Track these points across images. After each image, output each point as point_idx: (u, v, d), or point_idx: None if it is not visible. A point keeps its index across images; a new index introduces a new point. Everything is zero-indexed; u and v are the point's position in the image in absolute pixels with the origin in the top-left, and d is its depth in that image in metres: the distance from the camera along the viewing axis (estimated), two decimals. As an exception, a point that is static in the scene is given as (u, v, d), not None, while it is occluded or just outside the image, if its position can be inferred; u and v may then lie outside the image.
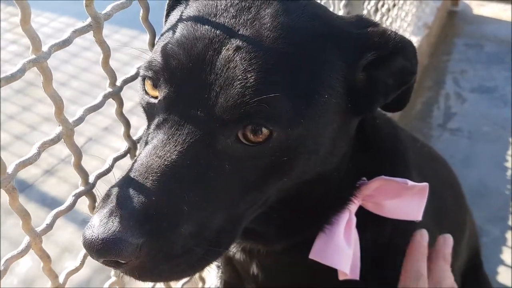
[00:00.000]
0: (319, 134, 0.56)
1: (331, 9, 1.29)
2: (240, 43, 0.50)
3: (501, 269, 1.58)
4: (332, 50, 0.55)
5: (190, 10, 0.55)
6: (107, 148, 1.99)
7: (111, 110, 0.61)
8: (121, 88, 0.57)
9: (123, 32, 2.75)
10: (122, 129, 0.61)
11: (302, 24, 0.54)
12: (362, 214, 0.66)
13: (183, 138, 0.49)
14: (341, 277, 0.64)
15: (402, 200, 0.65)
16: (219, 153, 0.50)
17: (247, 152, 0.51)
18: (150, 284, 0.73)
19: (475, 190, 1.86)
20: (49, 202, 1.72)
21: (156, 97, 0.53)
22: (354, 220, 0.64)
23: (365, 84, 0.59)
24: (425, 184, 0.65)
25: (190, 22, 0.53)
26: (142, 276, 0.49)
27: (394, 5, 1.90)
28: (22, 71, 0.44)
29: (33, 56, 0.45)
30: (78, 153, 0.53)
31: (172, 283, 0.73)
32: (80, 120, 0.52)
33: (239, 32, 0.51)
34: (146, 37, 0.61)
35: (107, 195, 0.48)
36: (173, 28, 0.54)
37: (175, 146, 0.49)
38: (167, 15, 0.61)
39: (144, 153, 0.49)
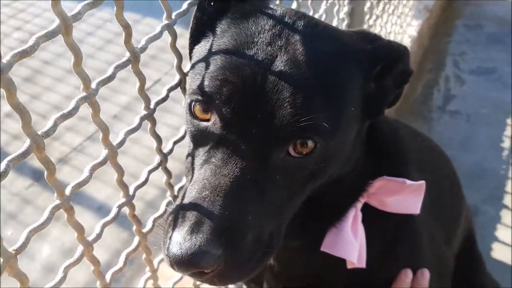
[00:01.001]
0: (346, 141, 0.65)
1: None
2: (282, 68, 0.58)
3: (496, 246, 1.68)
4: (352, 67, 0.64)
5: (225, 39, 0.62)
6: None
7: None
8: (154, 110, 0.64)
9: (125, 16, 2.76)
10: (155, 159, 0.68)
11: (327, 47, 0.63)
12: (368, 210, 0.75)
13: (242, 155, 0.56)
14: (349, 266, 0.73)
15: (402, 196, 0.73)
16: (273, 166, 0.58)
17: (295, 163, 0.59)
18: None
19: (473, 171, 1.94)
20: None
21: (207, 120, 0.60)
22: (360, 215, 0.73)
23: (375, 91, 0.68)
24: (422, 182, 0.74)
25: (231, 50, 0.60)
26: (220, 282, 0.58)
27: (395, -7, 1.95)
28: (76, 109, 0.51)
29: (84, 94, 0.52)
30: (121, 171, 0.61)
31: (162, 284, 0.82)
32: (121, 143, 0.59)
33: (278, 58, 0.58)
34: (151, 21, 0.65)
35: (180, 213, 0.55)
36: (213, 57, 0.61)
37: (236, 164, 0.56)
38: (192, 46, 0.68)
39: (209, 173, 0.56)
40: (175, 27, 0.64)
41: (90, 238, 0.58)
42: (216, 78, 0.58)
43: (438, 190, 1.00)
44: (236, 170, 0.56)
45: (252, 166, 0.56)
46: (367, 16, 1.67)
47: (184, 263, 0.52)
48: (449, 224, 1.07)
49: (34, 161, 0.60)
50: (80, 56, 0.49)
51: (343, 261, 0.75)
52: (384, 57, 0.66)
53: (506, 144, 2.05)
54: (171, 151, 0.70)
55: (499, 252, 1.65)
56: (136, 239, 0.68)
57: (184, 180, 0.72)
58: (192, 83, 0.62)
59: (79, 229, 0.56)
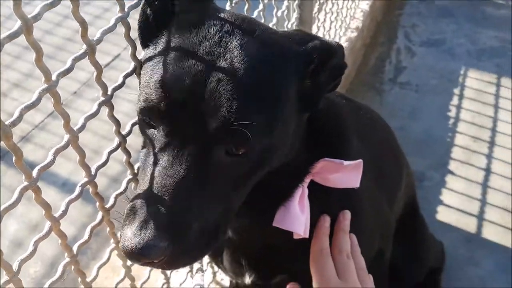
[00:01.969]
0: (284, 136, 0.71)
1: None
2: (220, 75, 0.63)
3: (440, 209, 1.81)
4: (287, 69, 0.69)
5: (168, 50, 0.67)
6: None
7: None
8: (111, 96, 0.70)
9: (94, 4, 2.69)
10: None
11: (262, 52, 0.67)
12: (313, 186, 0.83)
13: (186, 157, 0.63)
14: (296, 237, 0.82)
15: (342, 174, 0.81)
16: (213, 166, 0.64)
17: (233, 161, 0.65)
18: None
19: (421, 139, 2.06)
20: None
21: (153, 127, 0.66)
22: (306, 192, 0.81)
23: (310, 87, 0.73)
24: (360, 161, 0.82)
25: (174, 59, 0.65)
26: (169, 267, 0.66)
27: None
28: (39, 100, 0.56)
29: (46, 85, 0.57)
30: (82, 153, 0.66)
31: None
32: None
33: (217, 66, 0.64)
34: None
35: (132, 211, 0.63)
36: (155, 68, 0.66)
37: (181, 165, 0.63)
38: (142, 42, 0.73)
39: (157, 173, 0.63)
40: (128, 18, 0.69)
41: (56, 215, 0.64)
42: (158, 89, 0.64)
43: (379, 159, 1.09)
44: (180, 171, 0.63)
45: (194, 167, 0.63)
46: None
47: (134, 255, 0.60)
48: (391, 189, 1.17)
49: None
50: (41, 53, 0.54)
51: (291, 233, 0.83)
52: (317, 56, 0.71)
53: (452, 113, 2.18)
54: (129, 132, 0.76)
55: (443, 215, 1.79)
56: (100, 214, 0.74)
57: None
58: (139, 94, 0.68)
59: (46, 207, 0.61)
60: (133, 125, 0.76)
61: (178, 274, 1.22)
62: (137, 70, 0.73)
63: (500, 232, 1.73)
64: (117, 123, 0.72)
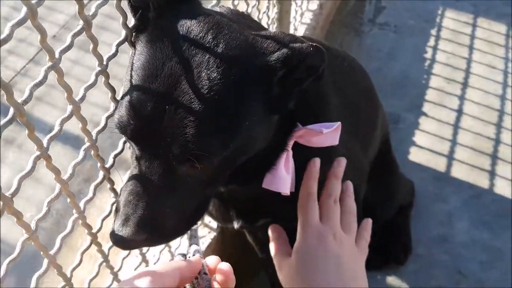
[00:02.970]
0: (250, 142, 0.76)
1: None
2: (177, 104, 0.67)
3: (413, 150, 1.90)
4: (250, 86, 0.71)
5: (137, 67, 0.71)
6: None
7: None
8: (106, 65, 0.74)
9: None
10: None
11: (224, 73, 0.68)
12: (295, 146, 0.90)
13: (155, 169, 0.72)
14: (283, 194, 0.89)
15: (323, 136, 0.87)
16: (181, 175, 0.73)
17: (199, 171, 0.72)
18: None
19: (397, 81, 2.13)
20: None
21: None
22: (290, 153, 0.88)
23: (278, 93, 0.76)
24: (338, 124, 0.88)
25: (142, 77, 0.70)
26: (153, 246, 0.87)
27: None
28: (45, 77, 0.61)
29: (50, 63, 0.62)
30: (84, 121, 0.72)
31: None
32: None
33: (176, 90, 0.67)
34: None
35: (117, 208, 0.76)
36: (131, 78, 0.71)
37: (152, 175, 0.72)
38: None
39: (134, 181, 0.74)
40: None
41: (65, 177, 0.70)
42: (124, 116, 0.71)
43: (355, 107, 1.16)
44: (154, 179, 0.72)
45: (163, 176, 0.72)
46: None
47: (119, 246, 0.75)
48: (365, 134, 1.25)
49: None
50: (45, 34, 0.59)
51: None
52: (284, 65, 0.71)
53: (428, 54, 2.23)
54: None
55: (415, 155, 1.89)
56: (101, 173, 0.81)
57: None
58: (119, 101, 0.74)
59: (56, 171, 0.67)
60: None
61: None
62: (129, 38, 0.77)
63: (467, 170, 1.85)
64: (113, 90, 0.77)
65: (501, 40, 2.29)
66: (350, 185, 0.98)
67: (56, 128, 0.66)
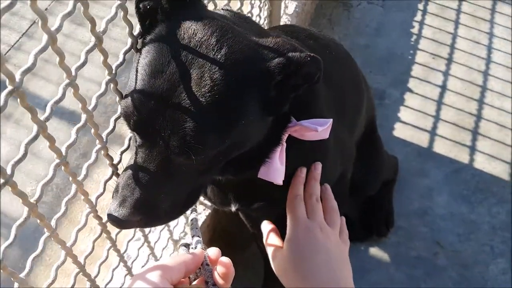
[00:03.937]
0: (245, 139, 0.82)
1: None
2: (179, 100, 0.71)
3: (397, 125, 1.98)
4: (248, 89, 0.76)
5: (142, 65, 0.74)
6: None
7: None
8: (115, 74, 0.79)
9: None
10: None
11: (225, 77, 0.73)
12: (289, 139, 0.96)
13: (154, 158, 0.76)
14: (276, 183, 0.96)
15: (316, 132, 0.94)
16: (177, 164, 0.77)
17: (194, 162, 0.76)
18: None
19: (384, 57, 2.18)
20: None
21: None
22: (284, 146, 0.94)
23: (275, 97, 0.81)
24: (330, 121, 0.94)
25: (147, 73, 0.73)
26: (147, 227, 0.93)
27: None
28: (63, 95, 0.66)
29: (67, 81, 0.67)
30: (84, 100, 0.77)
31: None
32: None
33: (178, 88, 0.72)
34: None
35: (116, 190, 0.80)
36: (132, 83, 0.75)
37: (150, 163, 0.77)
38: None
39: (134, 166, 0.78)
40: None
41: (67, 143, 0.72)
42: (129, 107, 0.75)
43: (342, 93, 1.22)
44: (151, 166, 0.77)
45: (161, 165, 0.77)
46: None
47: (115, 225, 0.81)
48: (351, 119, 1.32)
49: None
50: (63, 56, 0.64)
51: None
52: (280, 72, 0.77)
53: (415, 29, 2.28)
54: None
55: (399, 131, 1.97)
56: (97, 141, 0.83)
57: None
58: (125, 92, 0.79)
59: (51, 140, 0.68)
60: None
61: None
62: (134, 46, 0.82)
63: (449, 145, 1.94)
64: (120, 95, 0.82)
65: (487, 15, 2.34)
66: (328, 186, 1.08)
67: (60, 93, 0.66)
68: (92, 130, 0.80)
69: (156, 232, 1.25)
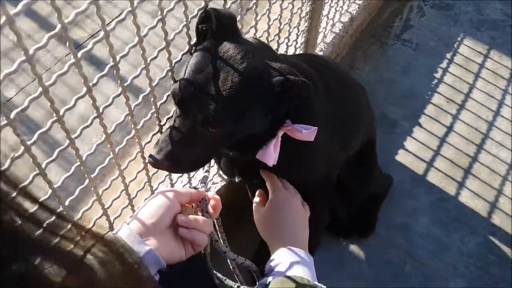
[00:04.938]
0: (248, 126, 1.16)
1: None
2: (208, 90, 1.07)
3: (401, 152, 2.27)
4: (258, 91, 1.08)
5: (191, 64, 1.08)
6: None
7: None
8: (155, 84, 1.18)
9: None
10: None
11: (245, 85, 1.05)
12: (285, 137, 1.32)
13: (185, 125, 1.11)
14: (268, 165, 1.33)
15: (302, 134, 1.29)
16: (201, 133, 1.12)
17: (211, 133, 1.12)
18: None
19: (404, 92, 2.49)
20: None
21: None
22: (279, 139, 1.30)
23: (275, 104, 1.12)
24: (315, 129, 1.27)
25: (193, 70, 1.07)
26: (174, 172, 1.31)
27: None
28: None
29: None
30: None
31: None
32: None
33: (210, 83, 1.05)
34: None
35: (157, 142, 1.12)
36: (182, 73, 1.11)
37: (182, 129, 1.12)
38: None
39: (172, 128, 1.11)
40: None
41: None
42: (174, 90, 1.12)
43: (341, 110, 1.54)
44: (183, 131, 1.12)
45: (190, 131, 1.12)
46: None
47: (151, 164, 1.12)
48: (348, 133, 1.65)
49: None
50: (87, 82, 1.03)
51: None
52: (278, 87, 1.08)
53: (438, 74, 2.58)
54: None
55: (401, 156, 2.27)
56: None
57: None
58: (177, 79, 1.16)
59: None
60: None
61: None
62: (189, 50, 1.21)
63: (441, 177, 2.23)
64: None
65: (506, 73, 2.62)
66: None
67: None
68: (152, 99, 1.21)
69: (178, 182, 1.64)
